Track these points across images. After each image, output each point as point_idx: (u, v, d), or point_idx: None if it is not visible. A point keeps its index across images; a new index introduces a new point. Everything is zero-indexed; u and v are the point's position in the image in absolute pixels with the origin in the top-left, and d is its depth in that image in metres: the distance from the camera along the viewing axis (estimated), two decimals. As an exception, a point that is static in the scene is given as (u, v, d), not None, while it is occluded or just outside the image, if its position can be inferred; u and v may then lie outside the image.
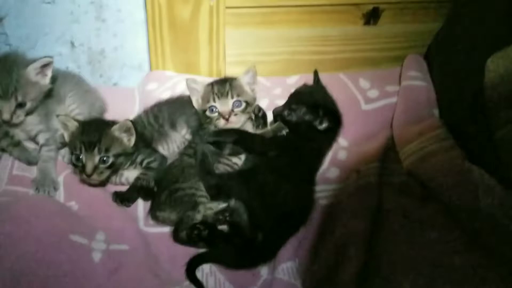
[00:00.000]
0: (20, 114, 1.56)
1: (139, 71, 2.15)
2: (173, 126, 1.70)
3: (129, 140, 1.56)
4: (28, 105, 1.57)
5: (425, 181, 1.55)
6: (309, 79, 1.84)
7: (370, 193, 1.53)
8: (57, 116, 1.56)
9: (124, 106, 1.97)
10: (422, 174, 1.57)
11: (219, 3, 1.91)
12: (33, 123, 1.64)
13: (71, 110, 1.75)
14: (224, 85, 1.61)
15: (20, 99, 1.53)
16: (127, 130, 1.55)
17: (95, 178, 1.52)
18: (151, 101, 1.87)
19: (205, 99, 1.61)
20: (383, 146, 1.74)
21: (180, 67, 2.06)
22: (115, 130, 1.54)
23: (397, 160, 1.69)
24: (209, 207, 1.50)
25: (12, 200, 1.44)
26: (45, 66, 1.58)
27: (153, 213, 1.53)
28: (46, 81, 1.60)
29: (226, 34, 2.00)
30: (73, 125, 1.54)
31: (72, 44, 2.05)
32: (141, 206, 1.59)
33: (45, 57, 1.57)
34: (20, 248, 1.26)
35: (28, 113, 1.60)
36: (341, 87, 1.94)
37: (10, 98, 1.52)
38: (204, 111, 1.60)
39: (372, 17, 2.07)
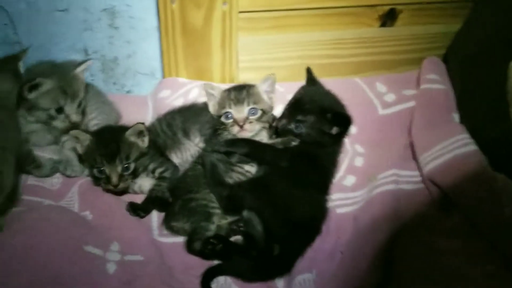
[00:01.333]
0: (78, 112, 1.65)
1: (152, 78, 2.14)
2: (186, 134, 1.68)
3: (143, 142, 1.59)
4: (83, 103, 1.68)
5: (445, 189, 1.50)
6: (323, 83, 1.81)
7: (388, 201, 1.49)
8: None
9: (137, 114, 1.95)
10: (442, 181, 1.52)
11: (232, 7, 1.89)
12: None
13: (90, 119, 1.77)
14: (241, 92, 1.58)
15: (80, 96, 1.66)
16: (140, 133, 1.57)
17: (122, 186, 1.54)
18: (164, 108, 1.86)
19: (221, 104, 1.59)
20: (401, 152, 1.70)
21: (192, 74, 2.04)
22: (130, 136, 1.55)
23: (415, 167, 1.65)
24: (223, 217, 1.49)
25: (26, 210, 1.44)
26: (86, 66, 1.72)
27: (167, 223, 1.51)
28: (84, 77, 1.73)
29: (238, 40, 1.98)
30: (85, 138, 1.55)
31: (85, 52, 2.05)
32: (155, 216, 1.57)
33: (87, 60, 1.73)
34: (34, 259, 1.26)
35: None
36: (357, 92, 1.91)
37: (76, 98, 1.63)
38: (220, 116, 1.58)
39: (388, 18, 2.02)
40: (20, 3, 1.91)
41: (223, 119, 1.57)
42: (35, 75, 1.57)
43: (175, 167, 1.66)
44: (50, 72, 1.59)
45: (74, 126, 1.63)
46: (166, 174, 1.62)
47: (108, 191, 1.57)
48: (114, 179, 1.51)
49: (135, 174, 1.57)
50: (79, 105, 1.65)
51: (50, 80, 1.57)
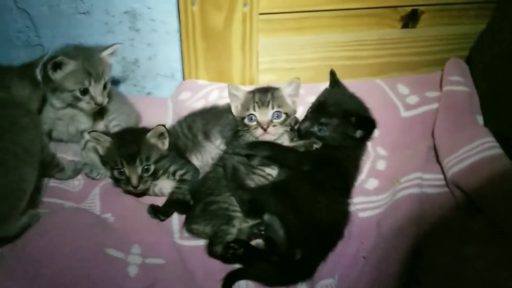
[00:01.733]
0: (104, 94, 1.66)
1: (172, 80, 2.14)
2: (207, 136, 1.68)
3: (164, 144, 1.59)
4: (108, 86, 1.69)
5: (470, 193, 1.48)
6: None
7: (412, 205, 1.47)
8: (89, 132, 1.59)
9: (157, 116, 1.96)
10: (467, 185, 1.49)
11: (252, 9, 1.88)
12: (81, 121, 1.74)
13: (110, 120, 1.79)
14: (265, 95, 1.57)
15: (106, 78, 1.67)
16: (161, 135, 1.57)
17: (142, 187, 1.55)
18: (185, 110, 1.87)
19: (245, 106, 1.58)
20: (424, 156, 1.67)
21: (212, 76, 2.04)
22: (151, 138, 1.55)
23: (439, 171, 1.62)
24: (244, 221, 1.48)
25: (48, 212, 1.45)
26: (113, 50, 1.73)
27: (188, 226, 1.51)
28: (111, 60, 1.74)
29: (258, 41, 1.97)
30: (106, 140, 1.55)
31: (106, 54, 2.06)
32: (175, 219, 1.57)
33: (114, 44, 1.73)
34: (56, 262, 1.26)
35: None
36: (378, 93, 1.89)
37: (101, 80, 1.63)
38: (243, 118, 1.58)
39: (410, 19, 2.00)
40: (43, 6, 1.94)
41: (246, 121, 1.56)
42: (60, 54, 1.58)
43: (196, 169, 1.66)
44: (74, 54, 1.60)
45: (100, 108, 1.67)
46: (187, 177, 1.62)
47: (128, 192, 1.58)
48: (134, 180, 1.52)
49: (155, 176, 1.58)
50: (104, 87, 1.66)
51: (73, 61, 1.58)
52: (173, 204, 1.57)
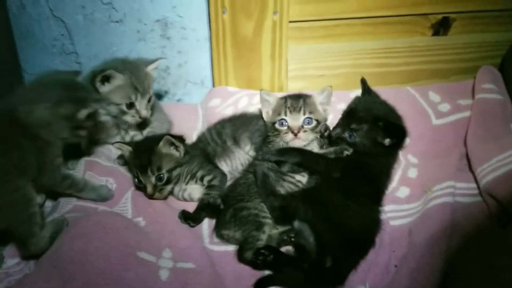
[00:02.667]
0: (148, 107, 1.70)
1: (202, 87, 2.17)
2: (236, 142, 1.70)
3: (179, 152, 1.61)
4: (152, 98, 1.73)
5: (504, 202, 1.44)
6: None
7: (444, 214, 1.45)
8: (113, 143, 1.63)
9: (187, 122, 1.99)
10: (501, 194, 1.46)
11: (282, 17, 1.90)
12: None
13: (147, 132, 1.81)
14: (297, 101, 1.59)
15: (151, 93, 1.71)
16: (172, 144, 1.59)
17: (158, 196, 1.59)
18: (214, 116, 1.89)
19: (277, 111, 1.60)
20: (456, 164, 1.65)
21: (242, 83, 2.06)
22: (162, 148, 1.58)
23: (472, 179, 1.60)
24: (274, 227, 1.48)
25: (82, 216, 1.47)
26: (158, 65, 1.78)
27: (218, 231, 1.52)
28: (155, 74, 1.79)
29: (288, 49, 1.98)
30: (127, 150, 1.61)
31: (138, 62, 2.10)
32: (205, 224, 1.58)
33: (159, 58, 1.78)
34: (90, 264, 1.28)
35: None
36: (409, 101, 1.87)
37: (146, 94, 1.67)
38: (274, 123, 1.59)
39: (441, 27, 1.98)
40: (77, 14, 2.00)
41: (277, 125, 1.58)
42: (109, 68, 1.61)
43: (224, 175, 1.67)
44: (122, 68, 1.63)
45: (144, 121, 1.70)
46: (215, 182, 1.64)
47: (150, 198, 1.61)
48: (149, 189, 1.57)
49: (174, 182, 1.60)
50: (148, 101, 1.69)
51: (122, 75, 1.61)
52: (204, 209, 1.58)
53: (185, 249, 1.43)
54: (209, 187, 1.64)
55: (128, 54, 2.06)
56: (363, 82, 1.65)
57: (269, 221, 1.47)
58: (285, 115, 1.57)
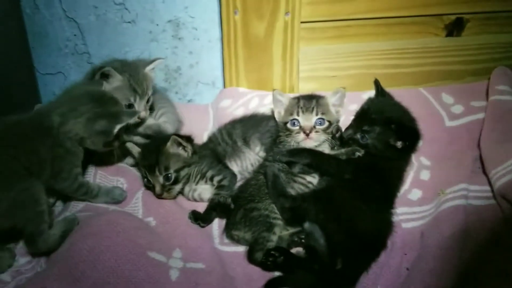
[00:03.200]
0: (147, 108, 1.71)
1: (212, 88, 2.17)
2: (247, 143, 1.70)
3: (187, 152, 1.61)
4: (151, 99, 1.74)
5: (519, 205, 1.42)
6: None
7: (458, 217, 1.43)
8: (125, 143, 1.64)
9: (198, 122, 1.99)
10: (515, 197, 1.44)
11: (294, 18, 1.89)
12: None
13: (159, 115, 1.83)
14: (310, 101, 1.58)
15: (149, 94, 1.71)
16: (179, 144, 1.59)
17: (166, 196, 1.60)
18: (225, 117, 1.89)
19: (289, 111, 1.59)
20: (470, 166, 1.63)
21: (253, 84, 2.06)
22: (169, 148, 1.59)
23: (486, 182, 1.58)
24: (285, 228, 1.48)
25: (93, 215, 1.48)
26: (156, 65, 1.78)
27: (228, 232, 1.52)
28: (154, 74, 1.79)
29: (299, 50, 1.97)
30: (136, 151, 1.64)
31: (150, 62, 2.11)
32: (216, 224, 1.58)
33: (157, 58, 1.77)
34: (101, 263, 1.28)
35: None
36: (422, 102, 1.86)
37: (145, 96, 1.68)
38: (285, 123, 1.58)
39: (455, 28, 1.96)
40: (90, 15, 2.01)
41: (289, 125, 1.57)
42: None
43: (233, 175, 1.68)
44: (121, 69, 1.64)
45: (142, 121, 1.70)
46: (225, 182, 1.64)
47: (159, 198, 1.61)
48: (157, 188, 1.58)
49: (183, 182, 1.61)
50: (147, 101, 1.70)
51: (120, 77, 1.62)
52: (214, 209, 1.58)
53: (196, 250, 1.43)
54: (219, 187, 1.64)
55: (140, 54, 2.07)
56: (377, 83, 1.63)
57: (279, 222, 1.46)
58: (298, 115, 1.56)
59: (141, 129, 1.74)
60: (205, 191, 1.66)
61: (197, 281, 1.31)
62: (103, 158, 1.68)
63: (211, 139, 1.77)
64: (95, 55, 2.10)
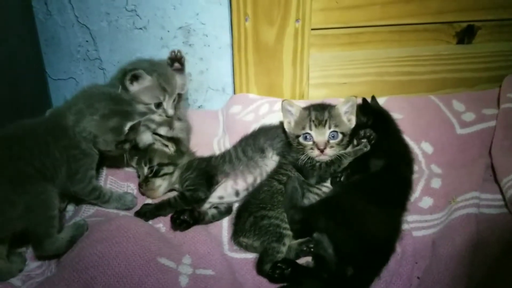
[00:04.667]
0: (173, 106, 1.73)
1: (222, 94, 2.17)
2: (262, 152, 1.67)
3: (169, 149, 1.70)
4: (177, 98, 1.75)
5: (531, 214, 1.41)
6: (397, 101, 1.77)
7: (469, 225, 1.41)
8: None
9: (208, 128, 2.00)
10: (528, 206, 1.43)
11: (305, 25, 1.90)
12: None
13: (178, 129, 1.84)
14: (322, 113, 1.53)
15: (176, 92, 1.73)
16: (163, 144, 1.69)
17: (146, 189, 1.65)
18: (235, 123, 1.91)
19: (300, 124, 1.54)
20: (481, 174, 1.61)
21: (263, 90, 2.06)
22: (155, 145, 1.70)
23: (497, 190, 1.56)
24: (294, 237, 1.47)
25: (103, 220, 1.48)
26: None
27: (236, 238, 1.51)
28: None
29: (310, 56, 1.97)
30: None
31: (161, 68, 2.12)
32: (225, 230, 1.58)
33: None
34: (111, 268, 1.28)
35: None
36: (433, 110, 1.84)
37: (173, 94, 1.71)
38: (297, 136, 1.54)
39: (466, 35, 1.96)
40: (102, 21, 2.02)
41: (301, 139, 1.53)
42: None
43: (204, 198, 1.62)
44: (150, 70, 1.66)
45: (170, 119, 1.73)
46: (190, 193, 1.60)
47: (141, 191, 1.68)
48: (141, 178, 1.68)
49: (157, 175, 1.65)
50: (174, 100, 1.72)
51: (150, 77, 1.64)
52: (165, 208, 1.58)
53: (205, 256, 1.43)
54: (183, 192, 1.62)
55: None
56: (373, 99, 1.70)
57: (289, 232, 1.44)
58: (310, 129, 1.51)
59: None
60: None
61: (207, 287, 1.31)
62: (114, 162, 1.70)
63: (224, 155, 1.71)
64: (106, 61, 2.11)
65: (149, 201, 1.66)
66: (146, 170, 1.65)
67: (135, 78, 1.63)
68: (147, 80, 1.64)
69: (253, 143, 1.69)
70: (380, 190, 1.46)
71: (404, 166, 1.58)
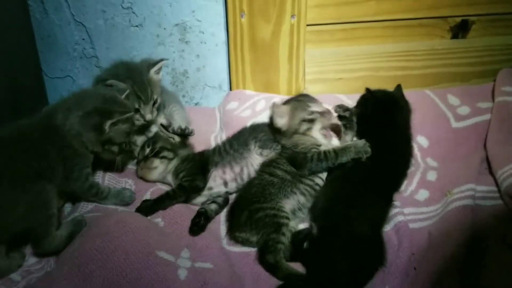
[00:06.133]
0: (154, 111, 1.75)
1: (219, 91, 2.18)
2: (247, 145, 1.70)
3: (173, 138, 1.73)
4: (158, 100, 1.76)
5: (526, 206, 1.42)
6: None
7: (465, 217, 1.43)
8: None
9: (205, 125, 2.01)
10: (522, 197, 1.44)
11: (300, 21, 1.91)
12: None
13: (171, 109, 1.87)
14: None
15: (154, 98, 1.73)
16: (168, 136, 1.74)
17: (146, 165, 1.69)
18: (232, 120, 1.92)
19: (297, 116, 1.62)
20: (477, 167, 1.63)
21: (259, 86, 2.07)
22: (159, 132, 1.76)
23: (493, 183, 1.58)
24: (292, 227, 1.48)
25: (102, 216, 1.49)
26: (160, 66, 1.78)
27: (232, 234, 1.51)
28: (160, 76, 1.80)
29: (305, 52, 1.98)
30: None
31: (157, 66, 2.13)
32: (223, 224, 1.58)
33: (161, 59, 1.78)
34: (110, 262, 1.29)
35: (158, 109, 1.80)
36: (428, 104, 1.86)
37: (150, 101, 1.71)
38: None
39: (460, 30, 1.97)
40: (98, 19, 2.03)
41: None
42: (111, 76, 1.65)
43: (201, 186, 1.65)
44: (125, 77, 1.66)
45: (149, 123, 1.75)
46: (185, 183, 1.62)
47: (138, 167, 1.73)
48: (140, 157, 1.72)
49: (157, 156, 1.69)
50: (154, 104, 1.73)
51: (124, 85, 1.63)
52: (163, 201, 1.59)
53: (204, 250, 1.44)
54: (180, 185, 1.64)
55: (148, 58, 2.06)
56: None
57: (287, 221, 1.45)
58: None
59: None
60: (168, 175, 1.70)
61: (205, 281, 1.32)
62: (107, 167, 1.68)
63: (214, 149, 1.76)
64: (103, 59, 2.12)
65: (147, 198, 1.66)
66: (147, 150, 1.69)
67: (109, 87, 1.63)
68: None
69: (238, 137, 1.73)
70: (363, 180, 1.49)
71: (394, 161, 1.59)
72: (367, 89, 1.70)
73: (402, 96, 1.72)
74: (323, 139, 1.61)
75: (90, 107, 1.47)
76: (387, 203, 1.51)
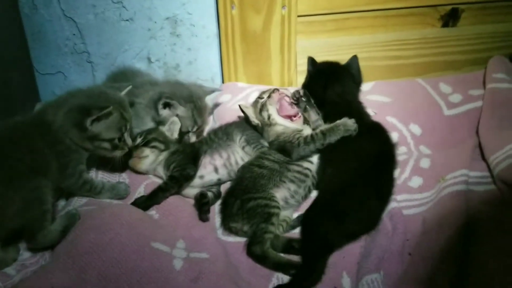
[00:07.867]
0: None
1: (212, 84, 2.18)
2: (229, 135, 1.74)
3: (172, 135, 1.75)
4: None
5: (519, 189, 1.43)
6: (385, 85, 1.78)
7: (458, 201, 1.44)
8: None
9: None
10: (515, 181, 1.45)
11: (291, 12, 1.91)
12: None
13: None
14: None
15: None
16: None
17: (137, 153, 1.67)
18: (225, 112, 1.91)
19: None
20: (470, 154, 1.64)
21: (252, 78, 2.07)
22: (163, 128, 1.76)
23: (485, 168, 1.59)
24: (283, 219, 1.49)
25: (96, 208, 1.49)
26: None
27: (226, 224, 1.52)
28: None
29: (297, 43, 1.98)
30: None
31: (149, 60, 2.12)
32: (218, 215, 1.58)
33: (216, 90, 1.90)
34: (105, 254, 1.29)
35: None
36: (420, 93, 1.87)
37: (202, 125, 1.83)
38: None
39: (451, 18, 1.98)
40: (88, 14, 2.02)
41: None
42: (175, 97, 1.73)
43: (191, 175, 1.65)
44: (187, 100, 1.75)
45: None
46: (176, 173, 1.63)
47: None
48: (131, 145, 1.63)
49: (148, 145, 1.68)
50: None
51: (184, 108, 1.74)
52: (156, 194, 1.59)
53: (199, 240, 1.44)
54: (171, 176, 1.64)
55: (139, 52, 2.08)
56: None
57: (277, 210, 1.46)
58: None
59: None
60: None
61: (201, 270, 1.32)
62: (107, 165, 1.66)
63: (201, 140, 1.79)
64: (94, 54, 2.11)
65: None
66: (139, 140, 1.68)
67: (168, 105, 1.74)
68: (180, 111, 1.75)
69: (225, 128, 1.78)
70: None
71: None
72: (309, 59, 1.77)
73: (349, 66, 1.76)
74: (290, 123, 1.66)
75: (74, 104, 1.46)
76: None
